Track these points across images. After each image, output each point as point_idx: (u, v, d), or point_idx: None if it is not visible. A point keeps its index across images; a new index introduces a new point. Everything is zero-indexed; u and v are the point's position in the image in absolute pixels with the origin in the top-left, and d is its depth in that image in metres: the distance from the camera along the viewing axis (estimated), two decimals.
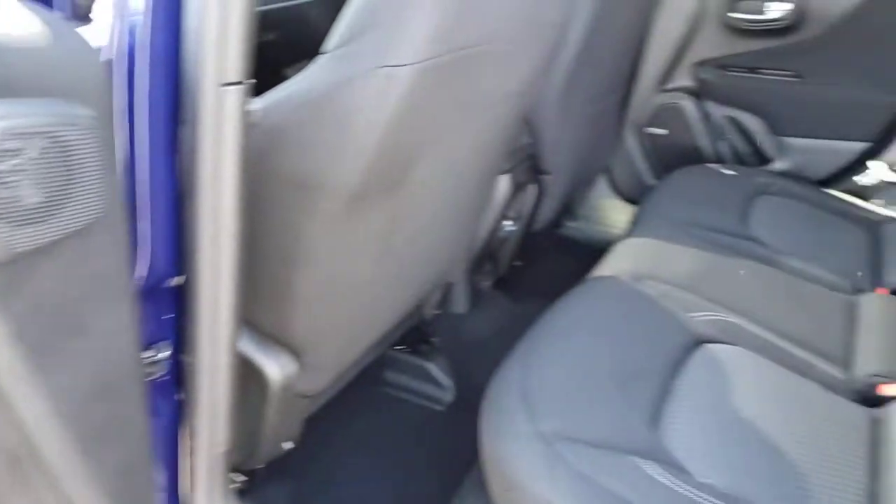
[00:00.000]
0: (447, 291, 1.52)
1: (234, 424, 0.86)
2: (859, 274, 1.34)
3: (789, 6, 1.69)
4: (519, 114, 1.09)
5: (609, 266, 1.29)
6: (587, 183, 2.03)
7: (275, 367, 0.92)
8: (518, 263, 1.75)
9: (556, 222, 2.09)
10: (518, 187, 1.47)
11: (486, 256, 1.57)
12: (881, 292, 1.27)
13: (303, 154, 0.75)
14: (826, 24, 1.68)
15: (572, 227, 2.14)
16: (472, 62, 0.81)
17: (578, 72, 1.43)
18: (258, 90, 0.77)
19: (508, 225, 1.52)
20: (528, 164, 1.48)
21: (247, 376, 0.93)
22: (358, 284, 0.89)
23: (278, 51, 1.58)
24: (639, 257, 1.30)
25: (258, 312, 0.89)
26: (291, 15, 1.75)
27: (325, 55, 0.77)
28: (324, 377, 1.01)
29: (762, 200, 1.57)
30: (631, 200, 2.08)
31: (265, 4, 1.70)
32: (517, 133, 1.16)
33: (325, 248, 0.80)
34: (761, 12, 1.73)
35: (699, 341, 1.09)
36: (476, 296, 1.58)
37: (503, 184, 1.42)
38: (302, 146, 0.75)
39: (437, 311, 1.49)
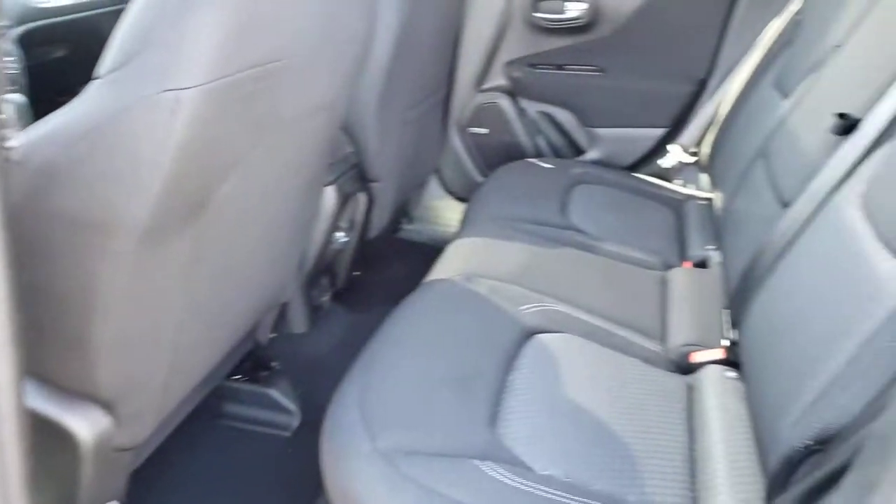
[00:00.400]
0: (283, 312, 1.46)
1: (41, 493, 0.76)
2: None
3: (584, 5, 1.80)
4: (330, 127, 1.06)
5: (442, 269, 1.30)
6: (418, 185, 2.05)
7: (83, 424, 0.83)
8: (357, 273, 1.73)
9: (393, 227, 2.09)
10: (346, 197, 1.44)
11: (321, 271, 1.53)
12: (686, 266, 1.39)
13: (81, 191, 0.68)
14: (619, 21, 1.81)
15: (410, 230, 2.15)
16: (267, 80, 0.78)
17: (393, 79, 1.43)
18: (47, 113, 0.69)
19: (341, 236, 1.49)
20: (353, 174, 1.46)
21: (51, 438, 0.83)
22: (166, 324, 0.83)
23: (70, 68, 1.44)
24: (469, 257, 1.33)
25: (55, 366, 0.80)
26: (84, 27, 1.60)
27: (99, 80, 0.70)
28: (145, 426, 0.93)
29: (579, 190, 1.66)
30: (463, 198, 2.13)
31: (54, 16, 1.55)
32: (334, 145, 1.13)
33: (121, 291, 0.73)
34: (561, 11, 1.83)
35: (530, 333, 1.12)
36: (315, 312, 1.54)
37: (329, 195, 1.39)
38: (79, 183, 0.68)
39: (273, 334, 1.43)
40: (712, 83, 1.80)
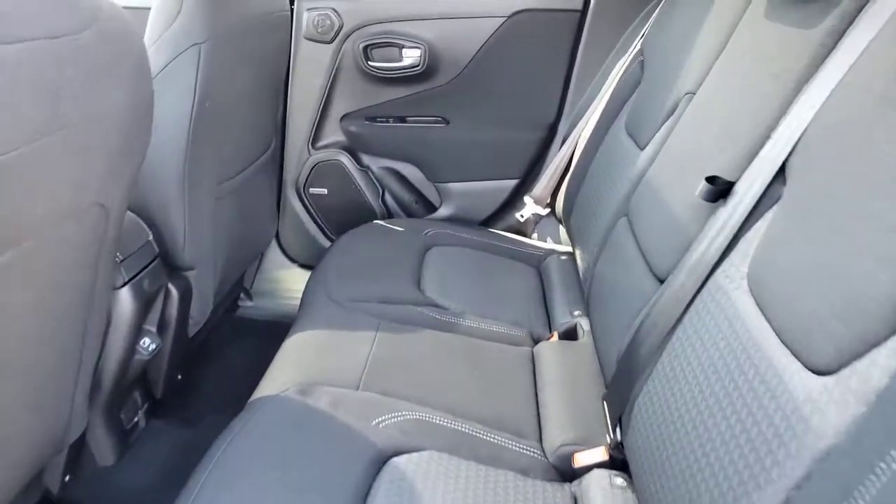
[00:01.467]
0: (80, 445, 1.16)
1: None
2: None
3: (418, 52, 1.65)
4: (99, 225, 0.81)
5: (274, 379, 1.07)
6: (251, 259, 1.80)
7: None
8: (180, 377, 1.45)
9: (229, 307, 1.82)
10: (149, 297, 1.18)
11: (127, 387, 1.24)
12: (554, 339, 1.25)
13: None
14: (458, 68, 1.67)
15: (250, 308, 1.89)
16: None
17: (199, 156, 1.19)
18: None
19: (148, 343, 1.21)
20: (157, 266, 1.19)
21: None
22: None
23: None
24: (306, 360, 1.10)
25: None
26: None
27: None
28: None
29: (433, 255, 1.49)
30: (309, 265, 1.90)
31: None
32: (111, 245, 0.88)
33: None
34: (396, 60, 1.67)
35: (384, 458, 0.92)
36: (125, 438, 1.25)
37: (124, 299, 1.12)
38: None
39: (69, 477, 1.13)
40: (561, 128, 1.71)
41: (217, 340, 1.72)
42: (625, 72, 1.48)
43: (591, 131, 1.53)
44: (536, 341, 1.26)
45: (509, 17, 1.62)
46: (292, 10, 1.65)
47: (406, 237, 1.57)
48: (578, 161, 1.53)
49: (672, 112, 1.14)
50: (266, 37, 1.43)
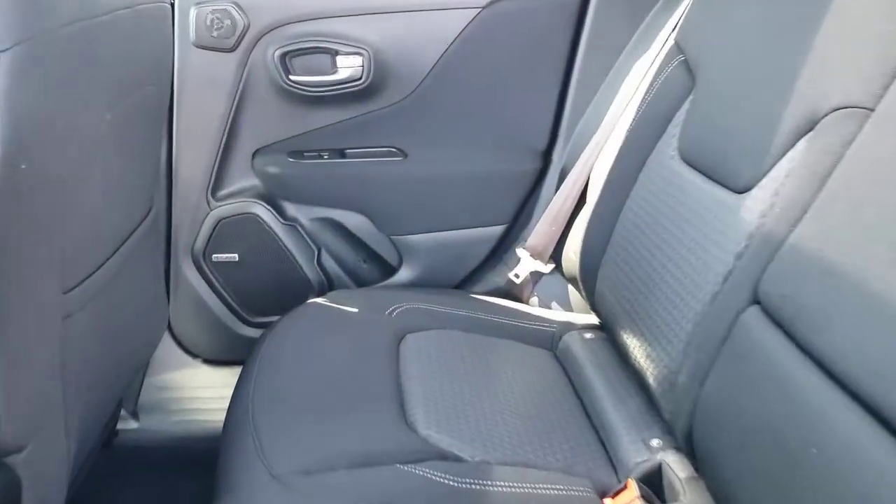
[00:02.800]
0: None
1: None
2: None
3: (358, 61, 1.18)
4: None
5: None
6: (132, 374, 1.25)
7: None
8: None
9: (105, 436, 1.27)
10: None
11: None
12: (628, 493, 0.80)
13: None
14: (414, 82, 1.22)
15: (135, 431, 1.33)
16: None
17: (15, 257, 0.66)
18: None
19: None
20: None
21: None
22: None
23: None
24: None
25: None
26: None
27: None
28: None
29: (410, 349, 1.02)
30: (217, 360, 1.38)
31: None
32: None
33: None
34: (329, 72, 1.20)
35: None
36: None
37: None
38: None
39: None
40: (558, 155, 1.28)
41: (89, 491, 1.16)
42: (657, 77, 1.07)
43: (610, 159, 1.11)
44: (602, 495, 0.81)
45: (484, 7, 1.18)
46: (172, 5, 1.14)
47: (364, 322, 1.09)
48: (599, 200, 1.10)
49: (800, 136, 0.73)
50: (131, 43, 0.91)
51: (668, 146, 0.98)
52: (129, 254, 1.01)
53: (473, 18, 1.18)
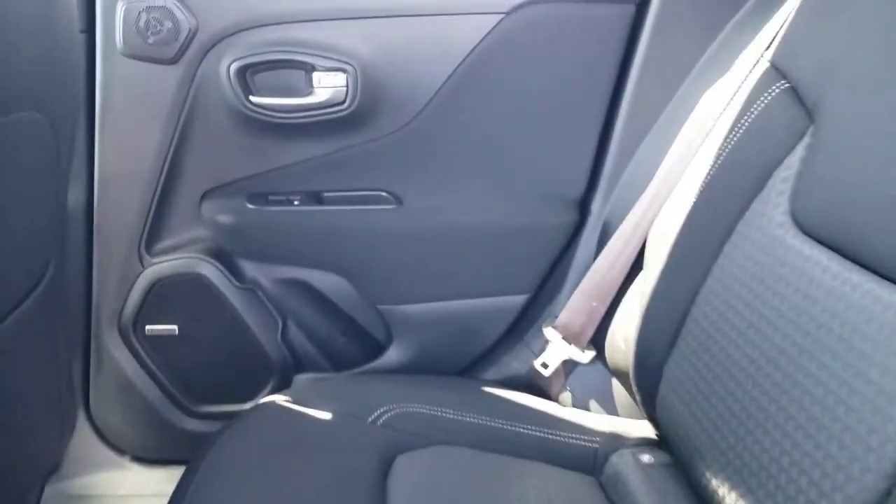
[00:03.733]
0: None
1: None
2: None
3: (341, 79, 0.90)
4: None
5: None
6: (28, 487, 0.93)
7: None
8: None
9: None
10: None
11: None
12: None
13: None
14: (414, 108, 0.93)
15: None
16: None
17: None
18: None
19: None
20: None
21: None
22: None
23: None
24: None
25: None
26: None
27: None
28: None
29: (403, 480, 0.72)
30: (148, 459, 1.07)
31: None
32: None
33: None
34: (301, 92, 0.91)
35: None
36: None
37: None
38: None
39: None
40: (598, 206, 1.00)
41: None
42: (747, 110, 0.79)
43: (677, 216, 0.83)
44: None
45: (508, 13, 0.90)
46: (89, 3, 0.86)
47: (341, 436, 0.79)
48: (664, 273, 0.81)
49: None
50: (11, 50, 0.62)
51: (774, 207, 0.69)
52: (13, 331, 0.71)
53: (494, 27, 0.90)
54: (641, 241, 0.90)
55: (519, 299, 1.01)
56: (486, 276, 1.00)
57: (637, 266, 0.90)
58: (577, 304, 0.95)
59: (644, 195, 0.90)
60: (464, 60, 0.91)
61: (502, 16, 0.89)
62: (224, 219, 0.96)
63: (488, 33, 0.90)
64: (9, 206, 0.65)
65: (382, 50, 0.90)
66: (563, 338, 0.96)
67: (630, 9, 0.90)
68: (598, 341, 0.94)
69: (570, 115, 0.96)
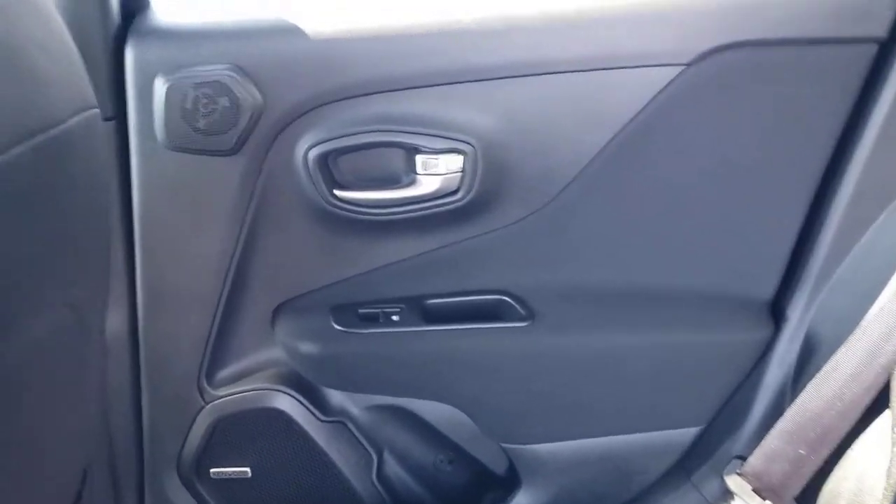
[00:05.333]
0: None
1: None
2: None
3: (457, 164, 0.66)
4: None
5: None
6: None
7: None
8: None
9: None
10: None
11: None
12: None
13: None
14: (549, 193, 0.69)
15: None
16: None
17: None
18: None
19: None
20: None
21: None
22: None
23: None
24: None
25: None
26: None
27: None
28: None
29: None
30: None
31: None
32: None
33: None
34: (398, 181, 0.68)
35: None
36: None
37: None
38: None
39: None
40: (796, 312, 0.74)
41: None
42: None
43: None
44: None
45: (690, 64, 0.64)
46: (118, 80, 0.63)
47: None
48: None
49: None
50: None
51: None
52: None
53: (669, 83, 0.64)
54: (882, 377, 0.65)
55: (688, 433, 0.77)
56: (645, 405, 0.76)
57: (876, 408, 0.65)
58: (776, 448, 0.70)
59: (878, 304, 0.65)
60: (624, 127, 0.66)
61: (682, 68, 0.64)
62: (306, 348, 0.73)
63: (661, 91, 0.64)
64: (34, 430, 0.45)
65: (512, 119, 0.66)
66: (755, 490, 0.72)
67: (870, 49, 0.63)
68: (807, 501, 0.70)
69: (769, 190, 0.70)
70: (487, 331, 0.73)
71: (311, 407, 0.77)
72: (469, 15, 0.65)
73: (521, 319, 0.73)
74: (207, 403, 0.76)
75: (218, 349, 0.75)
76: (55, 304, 0.43)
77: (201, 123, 0.64)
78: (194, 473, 0.80)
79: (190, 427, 0.78)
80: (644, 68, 0.64)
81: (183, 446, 0.79)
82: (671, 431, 0.77)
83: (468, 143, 0.66)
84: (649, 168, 0.69)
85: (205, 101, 0.63)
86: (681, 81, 0.64)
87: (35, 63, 0.39)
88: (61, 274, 0.43)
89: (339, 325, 0.73)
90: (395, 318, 0.74)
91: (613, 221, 0.72)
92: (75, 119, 0.43)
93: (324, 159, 0.67)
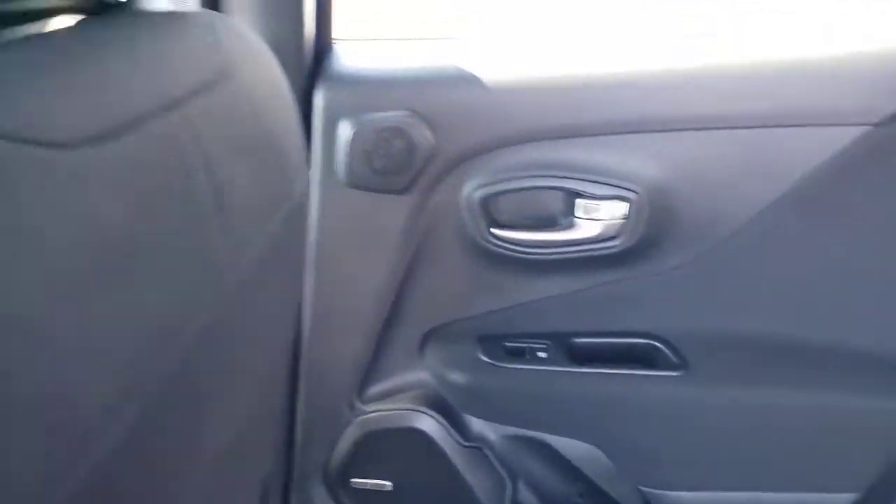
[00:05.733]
0: None
1: None
2: None
3: (620, 210, 0.67)
4: None
5: None
6: None
7: None
8: None
9: None
10: None
11: None
12: None
13: None
14: (710, 241, 0.68)
15: None
16: None
17: None
18: None
19: None
20: None
21: None
22: None
23: None
24: None
25: None
26: None
27: None
28: None
29: None
30: None
31: None
32: None
33: None
34: (558, 223, 0.69)
35: None
36: None
37: None
38: None
39: None
40: None
41: None
42: None
43: None
44: None
45: (878, 125, 0.62)
46: (308, 124, 0.68)
47: None
48: None
49: None
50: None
51: None
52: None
53: (852, 142, 0.62)
54: None
55: (842, 499, 0.74)
56: (800, 464, 0.73)
57: None
58: None
59: None
60: (797, 184, 0.64)
61: (869, 128, 0.61)
62: (455, 377, 0.76)
63: (843, 150, 0.62)
64: None
65: (680, 169, 0.66)
66: None
67: None
68: None
69: None
70: (639, 377, 0.73)
71: (452, 430, 0.80)
72: (644, 66, 0.65)
73: (675, 368, 0.72)
74: (356, 418, 0.81)
75: (370, 368, 0.80)
76: None
77: (379, 164, 0.67)
78: (338, 483, 0.84)
79: (339, 438, 0.82)
80: (824, 127, 0.62)
81: (330, 456, 0.83)
82: (824, 495, 0.74)
83: (632, 191, 0.66)
84: (822, 226, 0.66)
85: (384, 143, 0.67)
86: (865, 142, 0.62)
87: (280, 142, 0.43)
88: None
89: (486, 356, 0.76)
90: (541, 354, 0.76)
91: (776, 275, 0.70)
92: (304, 185, 0.48)
93: (485, 199, 0.69)
